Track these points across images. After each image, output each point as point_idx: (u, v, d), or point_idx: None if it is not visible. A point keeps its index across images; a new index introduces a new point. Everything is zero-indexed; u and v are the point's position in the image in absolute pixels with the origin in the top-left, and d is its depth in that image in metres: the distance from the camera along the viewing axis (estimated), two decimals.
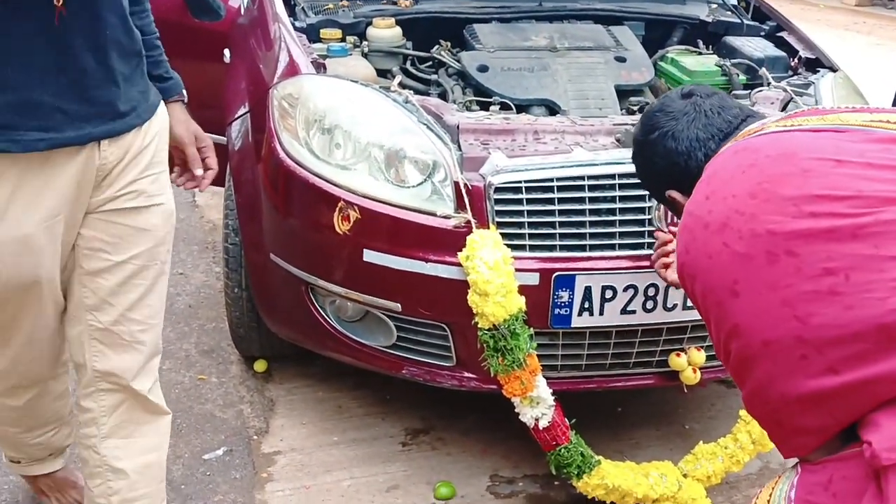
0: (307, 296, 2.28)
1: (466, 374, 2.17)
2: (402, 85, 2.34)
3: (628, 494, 2.13)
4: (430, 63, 2.69)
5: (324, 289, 2.23)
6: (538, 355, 2.04)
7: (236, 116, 2.54)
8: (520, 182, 2.01)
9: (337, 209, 2.11)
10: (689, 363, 2.18)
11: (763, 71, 2.66)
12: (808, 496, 1.26)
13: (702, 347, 2.19)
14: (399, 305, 2.10)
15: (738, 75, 2.68)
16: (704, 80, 2.64)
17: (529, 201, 2.02)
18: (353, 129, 2.17)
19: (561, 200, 2.02)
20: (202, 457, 2.44)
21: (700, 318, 1.79)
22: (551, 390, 2.05)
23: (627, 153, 2.08)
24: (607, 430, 2.57)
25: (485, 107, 2.39)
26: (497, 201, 2.01)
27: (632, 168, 2.02)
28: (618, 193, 2.04)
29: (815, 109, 1.40)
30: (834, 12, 9.77)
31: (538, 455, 2.47)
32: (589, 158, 2.06)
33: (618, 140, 2.17)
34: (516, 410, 2.08)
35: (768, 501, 1.35)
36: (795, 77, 2.68)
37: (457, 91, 2.51)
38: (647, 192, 2.03)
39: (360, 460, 2.46)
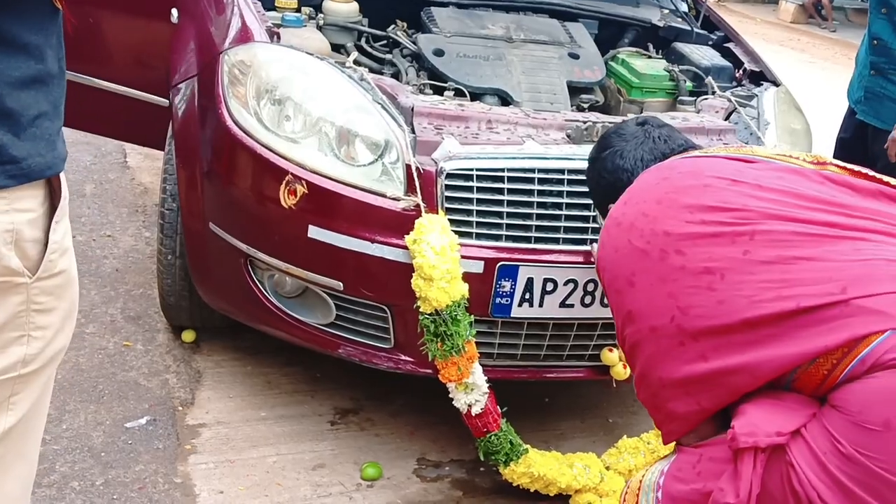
0: (245, 268, 2.24)
1: (403, 357, 2.17)
2: (356, 62, 2.31)
3: (552, 483, 2.17)
4: (385, 42, 2.67)
5: (263, 262, 2.19)
6: (475, 342, 2.05)
7: (182, 80, 2.47)
8: (471, 170, 2.02)
9: (284, 182, 2.08)
10: (620, 359, 2.23)
11: (709, 80, 2.72)
12: (677, 472, 1.45)
13: None
14: (341, 284, 2.09)
15: (685, 81, 2.73)
16: (652, 84, 2.69)
17: (479, 189, 2.03)
18: (306, 103, 2.14)
19: (510, 191, 2.04)
20: (124, 425, 2.38)
21: None
22: (486, 378, 2.07)
23: (578, 149, 2.13)
24: (534, 420, 2.61)
25: (439, 91, 2.39)
26: (447, 187, 2.01)
27: (581, 164, 2.08)
28: (566, 189, 2.07)
29: (739, 146, 1.63)
30: (770, 27, 10.09)
31: (465, 441, 2.50)
32: (540, 152, 2.07)
33: (568, 136, 2.19)
34: (450, 396, 2.10)
35: (640, 482, 1.53)
36: (740, 88, 2.75)
37: (411, 73, 2.49)
38: None
39: (288, 437, 2.44)
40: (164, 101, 3.02)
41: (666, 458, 1.53)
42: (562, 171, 2.06)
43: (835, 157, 3.29)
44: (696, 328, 1.35)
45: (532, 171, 2.04)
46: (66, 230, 1.18)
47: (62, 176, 1.16)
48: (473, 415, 2.07)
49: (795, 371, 1.32)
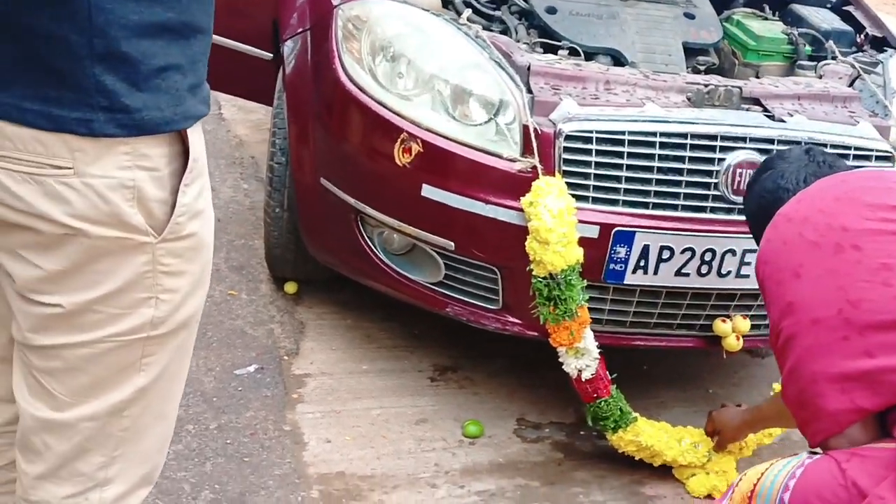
0: (356, 224, 2.26)
1: (511, 319, 2.17)
2: (470, 19, 2.28)
3: (658, 455, 2.16)
4: None
5: (374, 219, 2.21)
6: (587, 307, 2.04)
7: (293, 33, 2.47)
8: (591, 132, 1.98)
9: (399, 140, 2.08)
10: (734, 330, 2.19)
11: (830, 44, 2.61)
12: (817, 472, 1.33)
13: (747, 315, 2.20)
14: (453, 244, 2.09)
15: (804, 45, 2.63)
16: (770, 47, 2.60)
17: (598, 153, 1.99)
18: (420, 60, 2.13)
19: (630, 155, 2.00)
20: (234, 371, 2.45)
21: (750, 287, 2.00)
22: (597, 343, 2.06)
23: (700, 113, 2.07)
24: (634, 388, 2.57)
25: (551, 50, 2.34)
26: (566, 149, 1.98)
27: (703, 129, 2.03)
28: (688, 154, 2.02)
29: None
30: None
31: (565, 404, 2.51)
32: (662, 115, 2.02)
33: (689, 99, 2.13)
34: (560, 360, 2.09)
35: (755, 484, 1.42)
36: (862, 54, 2.63)
37: (521, 30, 2.45)
38: (715, 155, 2.03)
39: (390, 391, 2.48)
40: (263, 54, 3.05)
41: (789, 459, 1.42)
42: (684, 136, 2.01)
43: None
44: (865, 322, 1.31)
45: (653, 134, 2.00)
46: (198, 193, 1.12)
47: (197, 136, 1.11)
48: (583, 380, 2.07)
49: None
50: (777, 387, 2.26)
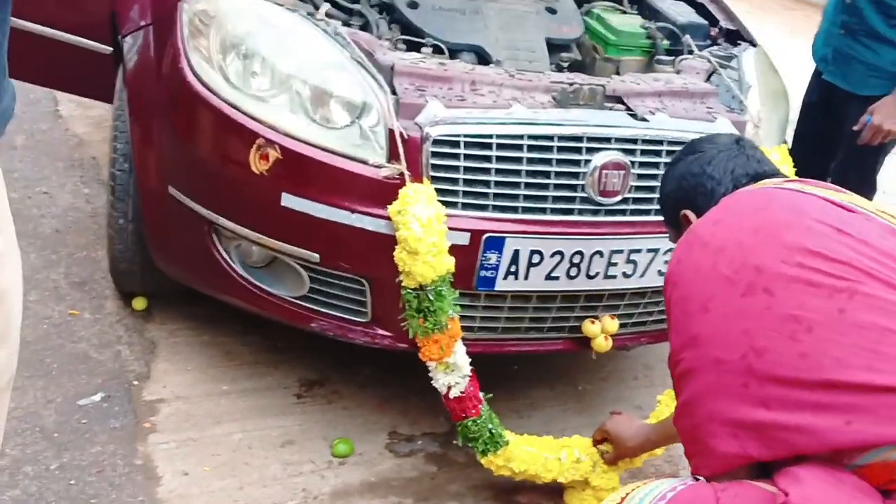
0: (209, 236, 2.09)
1: (380, 332, 2.07)
2: (328, 14, 2.14)
3: (537, 476, 2.10)
4: None
5: (230, 231, 2.04)
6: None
7: (133, 29, 2.26)
8: (459, 136, 1.90)
9: (255, 146, 1.92)
10: (603, 331, 2.17)
11: (687, 38, 2.64)
12: (693, 498, 1.32)
13: (615, 315, 2.18)
14: (317, 256, 1.96)
15: (661, 40, 2.64)
16: (629, 41, 2.59)
17: (467, 157, 1.91)
18: (276, 59, 1.98)
19: (499, 159, 1.93)
20: (77, 402, 2.22)
21: (617, 287, 2.03)
22: (469, 359, 1.98)
23: (567, 114, 2.03)
24: (503, 389, 2.54)
25: (413, 47, 2.24)
26: (433, 154, 1.89)
27: (569, 130, 1.98)
28: (555, 156, 1.97)
29: (830, 185, 1.51)
30: None
31: (436, 413, 2.43)
32: (530, 117, 1.96)
33: (554, 99, 2.08)
34: (430, 375, 2.00)
35: (624, 497, 1.41)
36: (717, 48, 2.67)
37: (382, 25, 2.33)
38: (581, 157, 1.99)
39: (252, 412, 2.32)
40: (101, 48, 2.80)
41: (659, 482, 1.41)
42: (551, 138, 1.96)
43: (798, 123, 3.27)
44: (767, 373, 1.26)
45: (521, 137, 1.93)
46: None
47: None
48: (452, 397, 1.98)
49: (873, 455, 1.22)
50: (662, 399, 2.25)
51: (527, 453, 2.04)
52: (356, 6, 2.40)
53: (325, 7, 2.15)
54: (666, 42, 2.64)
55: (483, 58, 2.32)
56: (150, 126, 2.16)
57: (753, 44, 2.71)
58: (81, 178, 3.33)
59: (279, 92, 1.97)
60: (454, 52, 2.28)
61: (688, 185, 1.61)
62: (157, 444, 2.14)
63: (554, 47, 2.45)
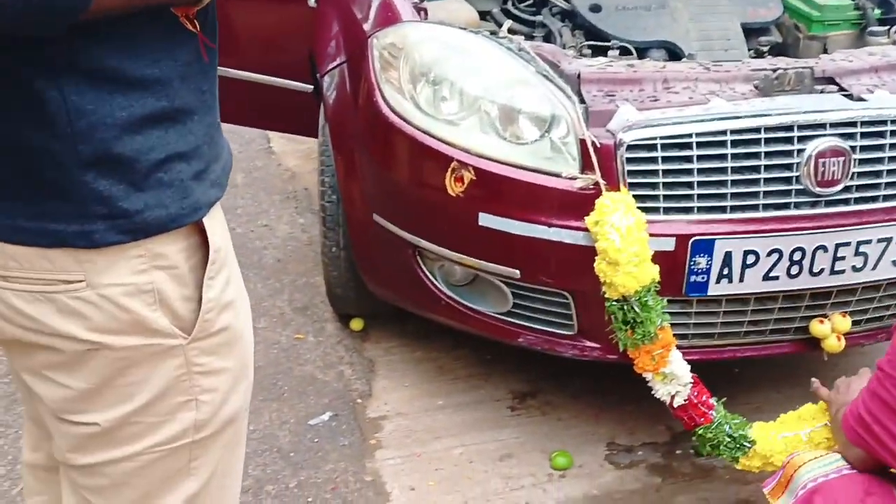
0: (415, 259, 2.16)
1: (588, 344, 2.04)
2: (511, 31, 2.15)
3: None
4: (531, 2, 2.49)
5: (433, 253, 2.09)
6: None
7: (331, 67, 2.38)
8: (654, 138, 1.83)
9: (449, 170, 1.96)
10: (833, 330, 2.01)
11: None
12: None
13: (846, 313, 2.02)
14: (518, 272, 1.97)
15: (872, 9, 2.43)
16: (836, 15, 2.41)
17: (665, 159, 1.84)
18: (463, 82, 2.01)
19: (700, 158, 1.84)
20: (308, 422, 2.37)
21: (846, 283, 1.89)
22: (689, 366, 1.90)
23: (771, 103, 1.90)
24: (724, 394, 2.42)
25: (600, 51, 2.20)
26: (629, 160, 1.84)
27: (776, 120, 1.86)
28: (763, 149, 1.85)
29: None
30: None
31: (654, 420, 2.37)
32: (730, 110, 1.86)
33: (756, 87, 1.96)
34: (649, 385, 1.95)
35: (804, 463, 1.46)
36: None
37: (565, 33, 2.31)
38: (793, 147, 1.86)
39: (469, 426, 2.37)
40: (303, 87, 2.97)
41: (831, 460, 1.43)
42: (757, 130, 1.85)
43: None
44: None
45: (723, 132, 1.84)
46: (225, 283, 1.04)
47: (216, 223, 1.02)
48: (676, 406, 1.91)
49: None
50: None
51: (782, 443, 1.90)
52: (538, 18, 2.40)
53: (508, 24, 2.16)
54: (877, 11, 2.42)
55: (674, 53, 2.24)
56: (353, 157, 2.27)
57: None
58: (296, 208, 3.56)
59: (469, 114, 2.00)
60: (642, 52, 2.21)
61: None
62: (383, 461, 2.24)
63: (751, 32, 2.32)
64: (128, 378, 0.99)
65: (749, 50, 2.26)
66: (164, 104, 0.93)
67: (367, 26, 2.26)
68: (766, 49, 2.28)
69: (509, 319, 2.09)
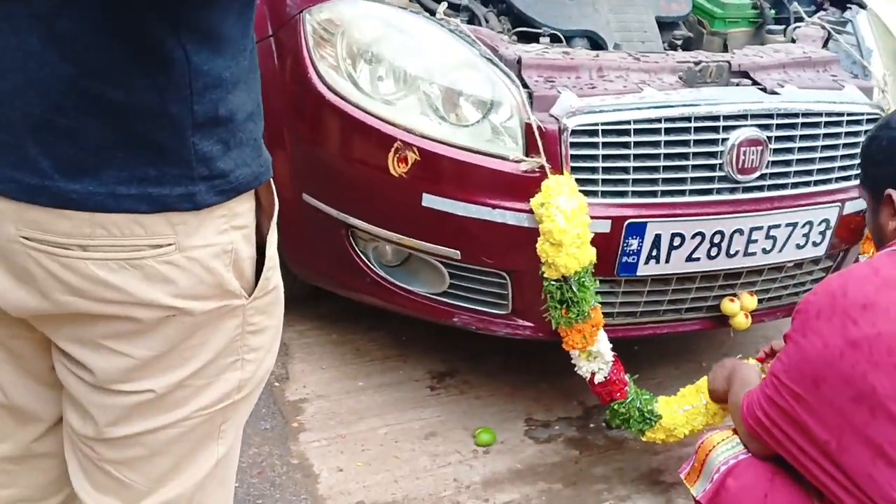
0: (347, 239, 2.13)
1: (522, 323, 2.10)
2: (446, 13, 2.16)
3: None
4: None
5: (369, 233, 2.08)
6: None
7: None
8: (596, 125, 1.90)
9: (392, 150, 1.96)
10: (742, 308, 2.16)
11: (795, 5, 2.59)
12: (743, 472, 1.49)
13: (753, 292, 2.17)
14: (459, 253, 1.99)
15: (769, 9, 2.60)
16: (736, 13, 2.56)
17: (605, 145, 1.92)
18: (404, 62, 2.00)
19: (637, 144, 1.93)
20: None
21: (756, 264, 2.02)
22: (611, 345, 2.00)
23: (700, 94, 2.02)
24: (627, 371, 2.56)
25: (527, 38, 2.24)
26: (572, 145, 1.90)
27: (705, 110, 1.97)
28: (692, 137, 1.96)
29: None
30: None
31: (568, 396, 2.47)
32: (663, 99, 1.96)
33: (681, 78, 2.07)
34: (573, 362, 2.03)
35: (711, 449, 1.57)
36: (825, 13, 2.62)
37: (491, 19, 2.34)
38: (719, 136, 1.98)
39: (391, 406, 2.38)
40: None
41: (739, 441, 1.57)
42: (688, 119, 1.95)
43: None
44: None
45: (658, 120, 1.93)
46: (275, 240, 1.06)
47: (271, 182, 1.04)
48: (597, 383, 2.01)
49: None
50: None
51: (683, 416, 2.04)
52: (463, 1, 2.41)
53: (443, 6, 2.16)
54: (772, 11, 2.60)
55: (596, 42, 2.31)
56: (280, 134, 2.21)
57: (862, 6, 2.65)
58: None
59: (407, 94, 2.00)
60: (568, 40, 2.28)
61: None
62: (308, 443, 2.21)
63: (663, 25, 2.43)
64: (192, 341, 0.95)
65: (663, 42, 2.37)
66: (245, 63, 0.92)
67: (295, 0, 2.20)
68: (679, 42, 2.40)
69: (444, 300, 2.12)
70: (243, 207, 0.97)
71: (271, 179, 1.02)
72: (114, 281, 0.88)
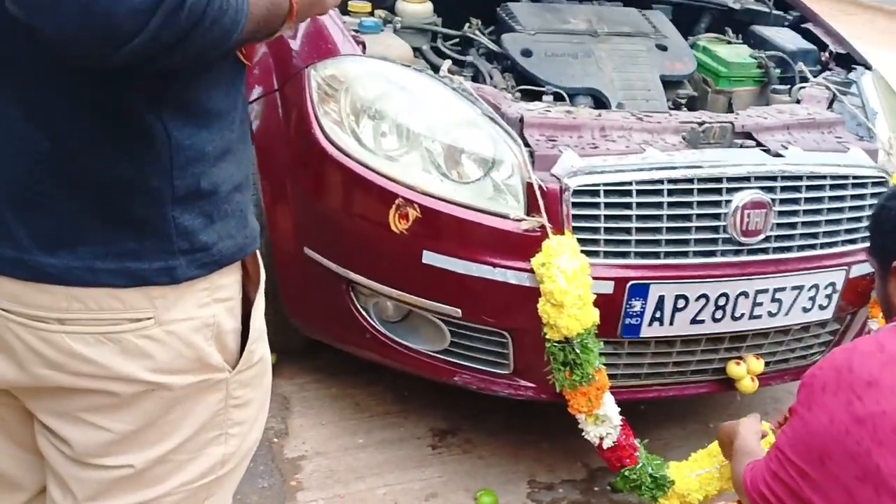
0: (348, 295, 2.12)
1: (523, 383, 2.07)
2: (451, 70, 2.17)
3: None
4: (457, 41, 2.53)
5: (369, 289, 2.07)
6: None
7: (260, 94, 2.32)
8: (598, 185, 1.89)
9: (394, 206, 1.95)
10: (748, 371, 2.13)
11: (800, 65, 2.60)
12: None
13: (760, 356, 2.14)
14: (459, 311, 1.97)
15: (773, 68, 2.61)
16: (741, 72, 2.57)
17: (607, 205, 1.91)
18: (407, 120, 2.01)
19: (639, 205, 1.92)
20: None
21: (762, 327, 1.99)
22: (619, 409, 1.96)
23: (703, 155, 2.01)
24: (635, 432, 2.52)
25: (531, 96, 2.25)
26: (574, 205, 1.89)
27: (708, 172, 1.96)
28: (695, 199, 1.95)
29: None
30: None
31: (572, 457, 2.42)
32: (667, 160, 1.95)
33: (684, 139, 2.07)
34: (580, 427, 1.99)
35: None
36: (830, 73, 2.63)
37: (495, 75, 2.35)
38: (722, 197, 1.96)
39: (392, 465, 2.34)
40: None
41: None
42: (690, 181, 1.94)
43: None
44: None
45: (661, 181, 1.92)
46: (261, 312, 1.05)
47: (257, 253, 1.03)
48: (605, 448, 1.97)
49: None
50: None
51: (697, 481, 1.99)
52: (467, 58, 2.43)
53: (447, 64, 2.18)
54: (778, 71, 2.61)
55: (600, 101, 2.32)
56: (282, 187, 2.21)
57: (867, 66, 2.65)
58: None
59: (409, 151, 2.00)
60: (571, 98, 2.29)
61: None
62: (306, 503, 2.17)
63: (668, 84, 2.44)
64: (171, 416, 0.94)
65: (668, 101, 2.37)
66: (233, 135, 0.92)
67: (301, 56, 2.22)
68: (683, 101, 2.40)
69: (446, 358, 2.09)
70: (227, 280, 0.96)
71: (257, 252, 1.01)
72: (90, 355, 0.87)
